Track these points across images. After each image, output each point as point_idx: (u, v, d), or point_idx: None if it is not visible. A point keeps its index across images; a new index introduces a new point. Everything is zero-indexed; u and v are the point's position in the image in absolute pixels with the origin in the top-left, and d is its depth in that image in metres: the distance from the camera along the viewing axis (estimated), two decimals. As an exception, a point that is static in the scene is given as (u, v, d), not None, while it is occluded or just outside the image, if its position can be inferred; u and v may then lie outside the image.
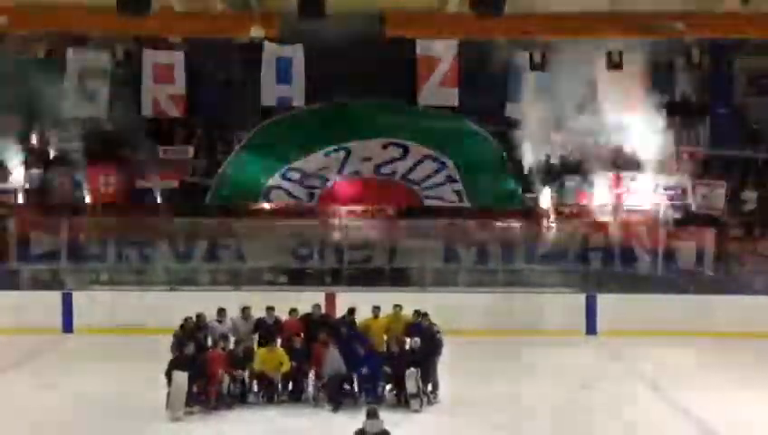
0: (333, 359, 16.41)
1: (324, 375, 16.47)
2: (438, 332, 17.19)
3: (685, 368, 19.77)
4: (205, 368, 16.13)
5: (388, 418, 12.86)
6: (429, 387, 16.82)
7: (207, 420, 15.88)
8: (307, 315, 17.72)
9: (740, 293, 23.37)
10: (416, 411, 16.16)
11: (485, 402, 16.87)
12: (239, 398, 16.52)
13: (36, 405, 16.84)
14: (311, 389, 16.88)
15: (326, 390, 16.47)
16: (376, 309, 17.62)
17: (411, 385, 16.35)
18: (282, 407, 16.44)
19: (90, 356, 20.62)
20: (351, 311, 17.74)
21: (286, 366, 16.51)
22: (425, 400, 16.49)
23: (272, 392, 16.63)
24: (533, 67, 25.27)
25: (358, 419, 15.10)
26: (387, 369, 16.50)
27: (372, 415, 11.76)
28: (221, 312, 17.53)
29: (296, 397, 16.75)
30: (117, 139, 26.56)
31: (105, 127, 26.71)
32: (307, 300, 18.42)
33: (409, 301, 18.33)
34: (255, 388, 16.74)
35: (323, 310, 18.65)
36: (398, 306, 17.66)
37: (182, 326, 17.01)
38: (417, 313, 17.52)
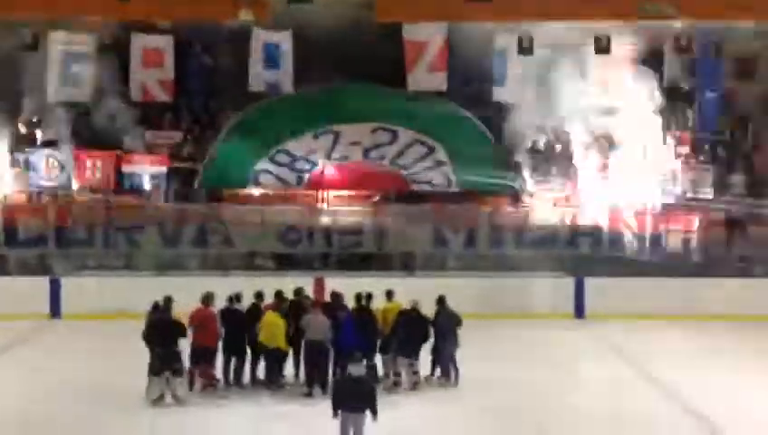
0: (319, 324, 16.26)
1: (305, 339, 16.30)
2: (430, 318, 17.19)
3: (672, 351, 19.87)
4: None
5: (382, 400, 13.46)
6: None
7: (198, 404, 15.90)
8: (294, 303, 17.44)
9: (727, 276, 23.47)
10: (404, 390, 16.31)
11: (474, 386, 16.90)
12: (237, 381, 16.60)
13: (24, 390, 16.85)
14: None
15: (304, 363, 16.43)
16: (367, 298, 17.19)
17: (404, 372, 16.58)
18: (274, 392, 16.43)
19: (78, 341, 20.61)
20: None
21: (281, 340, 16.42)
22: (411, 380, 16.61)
23: (274, 375, 16.60)
24: (521, 51, 25.26)
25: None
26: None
27: (357, 360, 13.06)
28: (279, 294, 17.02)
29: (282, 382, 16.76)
30: (105, 123, 26.43)
31: (93, 111, 26.60)
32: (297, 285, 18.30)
33: (398, 286, 18.24)
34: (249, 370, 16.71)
35: (311, 294, 18.57)
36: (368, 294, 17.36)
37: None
38: (441, 299, 17.30)
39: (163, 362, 15.69)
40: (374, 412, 12.70)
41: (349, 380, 12.95)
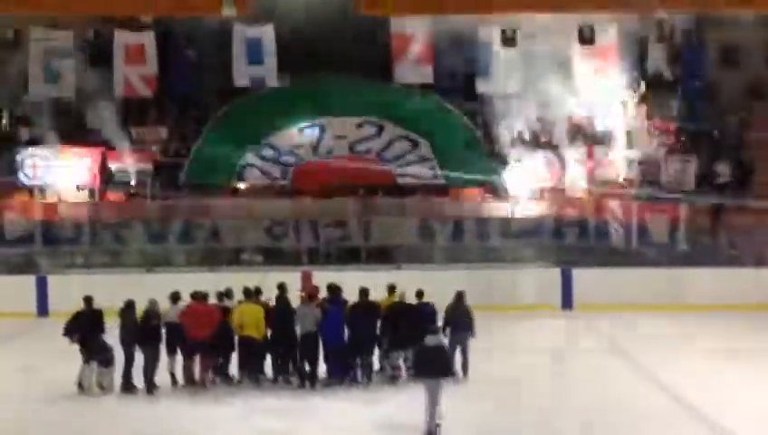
0: (309, 315, 16.28)
1: (298, 333, 16.30)
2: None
3: (658, 340, 19.95)
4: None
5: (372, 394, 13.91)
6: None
7: (186, 400, 15.94)
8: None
9: (712, 266, 23.52)
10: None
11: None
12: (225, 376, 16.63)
13: (13, 389, 16.86)
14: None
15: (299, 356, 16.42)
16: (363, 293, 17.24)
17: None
18: (262, 387, 16.45)
19: (66, 339, 20.51)
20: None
21: (262, 328, 16.38)
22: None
23: (258, 370, 16.61)
24: (505, 43, 25.29)
25: (331, 400, 15.32)
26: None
27: (433, 332, 13.98)
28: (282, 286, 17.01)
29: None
30: (90, 120, 26.34)
31: (77, 108, 26.50)
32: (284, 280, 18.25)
33: (386, 279, 18.21)
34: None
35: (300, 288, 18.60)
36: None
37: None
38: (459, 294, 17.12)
39: (90, 352, 16.18)
40: (452, 377, 14.04)
41: (424, 349, 13.77)
